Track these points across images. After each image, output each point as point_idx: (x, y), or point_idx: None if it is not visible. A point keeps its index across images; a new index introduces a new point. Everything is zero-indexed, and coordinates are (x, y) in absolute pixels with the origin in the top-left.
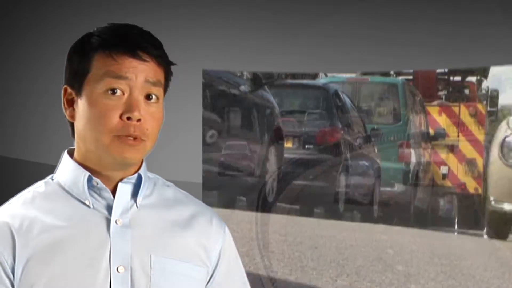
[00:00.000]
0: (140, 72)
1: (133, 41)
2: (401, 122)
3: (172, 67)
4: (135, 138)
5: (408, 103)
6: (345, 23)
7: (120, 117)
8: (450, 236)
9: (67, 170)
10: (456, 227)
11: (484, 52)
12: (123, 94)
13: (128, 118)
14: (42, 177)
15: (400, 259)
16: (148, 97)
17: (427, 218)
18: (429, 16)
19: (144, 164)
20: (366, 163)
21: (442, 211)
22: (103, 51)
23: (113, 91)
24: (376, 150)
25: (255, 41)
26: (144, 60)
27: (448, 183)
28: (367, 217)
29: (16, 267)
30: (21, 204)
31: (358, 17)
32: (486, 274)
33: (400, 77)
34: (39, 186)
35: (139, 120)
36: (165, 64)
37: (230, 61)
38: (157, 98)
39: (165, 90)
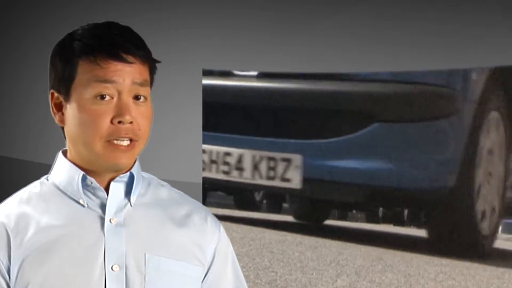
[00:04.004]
0: (126, 75)
1: (116, 44)
2: None
3: (172, 67)
4: (129, 142)
5: None
6: (345, 23)
7: (111, 121)
8: None
9: (62, 170)
10: None
11: (484, 52)
12: (112, 98)
13: (119, 122)
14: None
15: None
16: (136, 97)
17: None
18: (429, 16)
19: (137, 163)
20: None
21: None
22: (86, 57)
23: (102, 96)
24: None
25: (255, 41)
26: (129, 62)
27: None
28: None
29: (11, 268)
30: (17, 204)
31: (358, 17)
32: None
33: None
34: (34, 186)
35: (130, 122)
36: (150, 61)
37: (230, 61)
38: (145, 97)
39: (152, 83)
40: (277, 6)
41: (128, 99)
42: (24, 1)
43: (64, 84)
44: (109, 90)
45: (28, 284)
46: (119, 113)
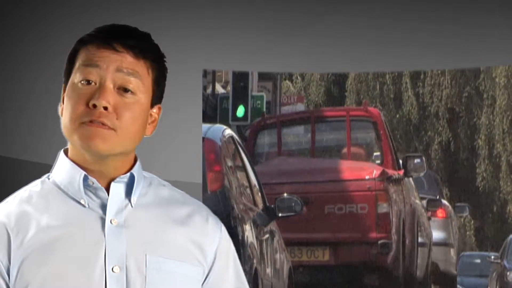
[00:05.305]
0: (112, 62)
1: (110, 33)
2: None
3: (172, 67)
4: (102, 125)
5: None
6: (345, 23)
7: (88, 105)
8: None
9: (63, 169)
10: None
11: (484, 52)
12: (96, 84)
13: (94, 106)
14: None
15: None
16: (125, 90)
17: None
18: (429, 16)
19: (138, 163)
20: None
21: None
22: (82, 46)
23: (88, 82)
24: None
25: (255, 41)
26: (117, 50)
27: None
28: None
29: (11, 268)
30: (17, 203)
31: (358, 17)
32: None
33: None
34: (35, 185)
35: (106, 108)
36: (145, 56)
37: (230, 61)
38: (134, 92)
39: (156, 88)
40: (277, 6)
41: (109, 85)
42: (24, 1)
43: (66, 75)
44: (93, 75)
45: (27, 284)
46: (95, 96)
